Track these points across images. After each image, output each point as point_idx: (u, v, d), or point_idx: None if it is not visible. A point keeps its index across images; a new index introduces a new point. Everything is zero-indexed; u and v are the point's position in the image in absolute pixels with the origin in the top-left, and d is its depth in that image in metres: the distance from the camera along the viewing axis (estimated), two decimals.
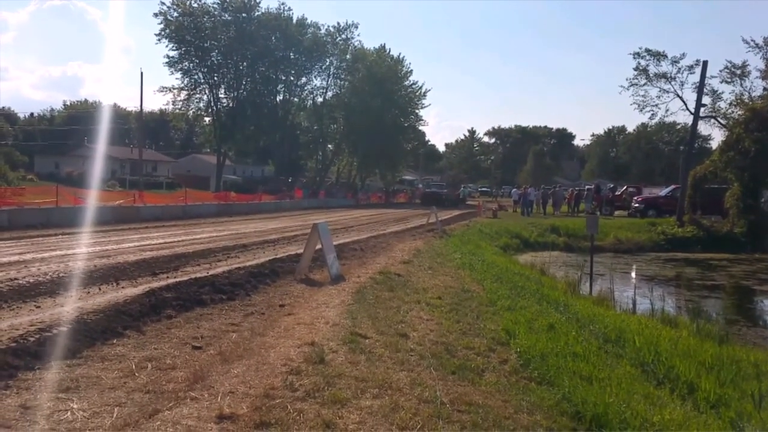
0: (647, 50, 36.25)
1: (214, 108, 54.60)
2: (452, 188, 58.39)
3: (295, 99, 58.96)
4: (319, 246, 10.25)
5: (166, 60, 51.59)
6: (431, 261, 13.78)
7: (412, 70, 61.19)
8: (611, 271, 20.65)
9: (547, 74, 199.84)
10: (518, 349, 6.70)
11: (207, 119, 58.99)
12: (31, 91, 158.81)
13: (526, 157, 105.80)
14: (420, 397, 4.71)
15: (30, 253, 11.96)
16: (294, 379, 4.78)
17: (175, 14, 50.65)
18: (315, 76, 58.64)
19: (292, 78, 57.18)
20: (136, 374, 4.81)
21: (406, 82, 60.47)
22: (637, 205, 38.64)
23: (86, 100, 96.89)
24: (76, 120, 77.65)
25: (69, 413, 3.95)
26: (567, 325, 8.65)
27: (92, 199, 25.61)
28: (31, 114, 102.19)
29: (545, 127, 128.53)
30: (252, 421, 3.97)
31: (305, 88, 58.95)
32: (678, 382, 6.97)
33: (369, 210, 39.62)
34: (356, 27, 57.85)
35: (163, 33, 50.53)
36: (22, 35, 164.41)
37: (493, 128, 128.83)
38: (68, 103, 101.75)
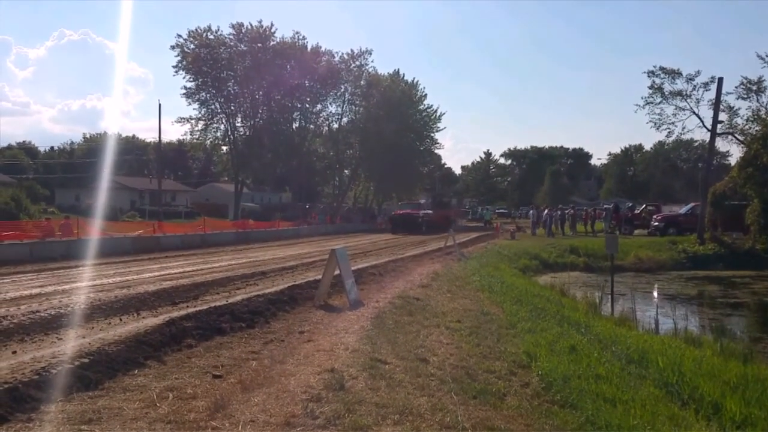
0: (661, 68, 36.17)
1: (231, 137, 55.24)
2: (440, 209, 47.95)
3: (311, 126, 59.43)
4: (337, 272, 10.27)
5: (184, 91, 52.50)
6: (450, 284, 13.73)
7: (426, 94, 61.54)
8: (632, 290, 20.42)
9: (562, 94, 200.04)
10: (540, 372, 6.64)
11: (224, 148, 59.69)
12: (51, 124, 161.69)
13: (543, 177, 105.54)
14: (441, 423, 4.68)
15: (51, 285, 12.10)
16: (314, 407, 4.78)
17: (192, 46, 51.57)
18: (330, 103, 59.17)
19: (307, 105, 57.71)
20: (158, 404, 4.83)
21: (421, 106, 60.71)
22: (656, 223, 38.27)
23: (105, 133, 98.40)
24: (95, 152, 78.87)
25: None
26: (589, 347, 8.56)
27: (111, 230, 25.95)
28: (52, 147, 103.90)
29: (561, 147, 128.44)
30: None
31: (321, 114, 59.48)
32: (703, 403, 6.86)
33: (387, 234, 39.64)
34: (370, 53, 58.32)
35: (180, 65, 51.47)
36: (41, 70, 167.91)
37: (509, 150, 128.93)
38: (87, 135, 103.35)
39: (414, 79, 61.64)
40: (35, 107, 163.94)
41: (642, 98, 37.07)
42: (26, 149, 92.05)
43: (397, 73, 60.48)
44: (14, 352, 6.26)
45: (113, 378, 5.50)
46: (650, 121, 37.43)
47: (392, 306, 9.88)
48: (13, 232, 21.14)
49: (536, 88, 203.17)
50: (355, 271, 12.22)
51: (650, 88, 36.69)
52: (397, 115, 55.92)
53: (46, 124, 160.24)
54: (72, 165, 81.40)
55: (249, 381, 5.50)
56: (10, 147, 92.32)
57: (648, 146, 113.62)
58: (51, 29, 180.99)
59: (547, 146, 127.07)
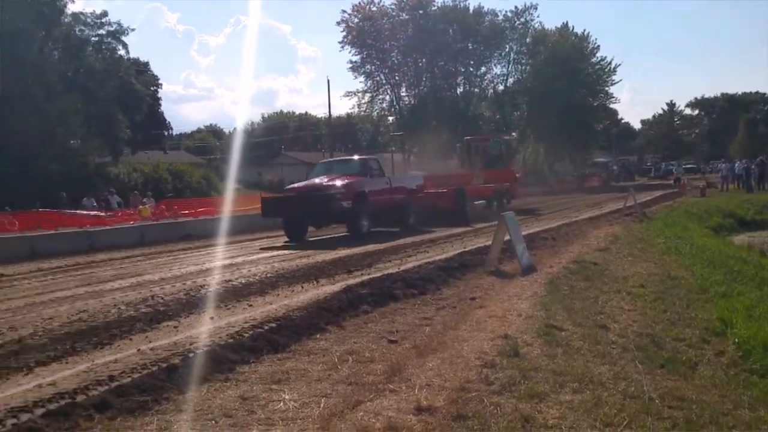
0: None
1: (397, 107, 56.31)
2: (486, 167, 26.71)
3: (476, 89, 58.60)
4: (507, 237, 10.09)
5: (350, 65, 54.27)
6: (631, 247, 12.99)
7: (598, 46, 57.81)
8: None
9: (753, 33, 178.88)
10: (736, 340, 6.12)
11: (390, 118, 60.94)
12: (233, 107, 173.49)
13: (737, 127, 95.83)
14: (625, 392, 4.47)
15: (240, 257, 13.13)
16: (489, 373, 4.76)
17: (356, 20, 53.08)
18: (495, 64, 57.89)
19: (471, 69, 57.00)
20: (339, 367, 5.06)
21: (593, 59, 57.47)
22: None
23: (281, 111, 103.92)
24: (273, 130, 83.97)
25: (281, 403, 4.25)
26: None
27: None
28: (234, 128, 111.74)
29: (757, 93, 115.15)
30: (449, 414, 4.00)
31: (485, 77, 58.41)
32: None
33: (559, 196, 38.36)
34: (535, 8, 56.05)
35: (345, 40, 53.30)
36: (221, 56, 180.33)
37: (696, 99, 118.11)
38: (265, 115, 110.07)
39: (584, 31, 58.32)
40: (218, 91, 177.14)
41: None
42: (213, 131, 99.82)
43: (565, 26, 57.65)
44: (211, 318, 6.87)
45: (298, 341, 5.84)
46: None
47: (567, 271, 9.54)
48: (206, 208, 23.27)
49: (722, 29, 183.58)
50: (527, 236, 11.92)
51: None
52: (567, 71, 53.40)
53: (228, 106, 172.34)
54: (253, 143, 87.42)
55: (423, 346, 5.59)
56: (199, 130, 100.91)
57: None
58: (228, 17, 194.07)
59: (740, 92, 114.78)
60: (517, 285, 8.55)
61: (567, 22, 59.08)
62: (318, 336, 6.07)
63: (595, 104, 59.17)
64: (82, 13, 35.55)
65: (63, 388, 4.51)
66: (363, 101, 55.78)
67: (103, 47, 37.01)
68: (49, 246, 16.00)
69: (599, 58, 57.52)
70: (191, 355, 5.25)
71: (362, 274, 9.54)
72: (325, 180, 16.69)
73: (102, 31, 36.60)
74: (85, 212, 22.31)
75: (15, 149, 27.55)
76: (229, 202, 25.09)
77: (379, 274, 9.23)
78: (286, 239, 16.19)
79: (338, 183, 16.00)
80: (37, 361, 5.32)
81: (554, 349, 5.43)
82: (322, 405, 4.20)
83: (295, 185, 18.13)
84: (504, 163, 28.26)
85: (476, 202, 21.35)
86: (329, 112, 57.75)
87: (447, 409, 4.08)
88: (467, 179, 23.87)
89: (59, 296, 8.87)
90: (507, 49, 56.98)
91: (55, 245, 16.14)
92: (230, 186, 27.46)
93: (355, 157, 20.75)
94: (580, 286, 8.51)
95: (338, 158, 20.71)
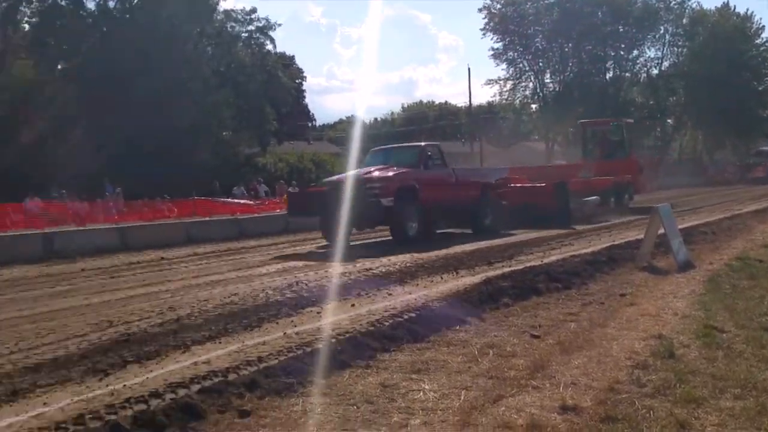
0: None
1: (540, 94, 54.85)
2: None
3: (627, 74, 55.76)
4: (661, 230, 9.49)
5: (491, 52, 53.53)
6: None
7: (763, 26, 53.49)
8: None
9: None
10: None
11: (533, 106, 59.44)
12: (373, 97, 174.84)
13: None
14: None
15: (379, 245, 13.35)
16: (640, 374, 4.50)
17: (498, 6, 52.27)
18: (648, 47, 54.90)
19: (622, 52, 54.33)
20: (479, 360, 4.98)
21: (758, 41, 53.16)
22: None
23: (421, 101, 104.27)
24: (412, 120, 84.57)
25: (421, 393, 4.25)
26: None
27: None
28: (375, 119, 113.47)
29: None
30: (597, 415, 3.82)
31: (637, 61, 55.47)
32: None
33: (719, 188, 35.62)
34: None
35: (487, 27, 52.65)
36: (362, 47, 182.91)
37: None
38: (405, 105, 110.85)
39: (748, 10, 53.99)
40: (359, 83, 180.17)
41: None
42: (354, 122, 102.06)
43: (726, 5, 53.60)
44: (353, 305, 7.05)
45: (437, 332, 5.81)
46: None
47: (729, 268, 8.82)
48: None
49: None
50: (683, 230, 11.18)
51: None
52: (729, 54, 49.61)
53: (369, 97, 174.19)
54: (393, 134, 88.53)
55: (568, 343, 5.39)
56: (340, 121, 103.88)
57: None
58: (368, 7, 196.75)
59: None
60: (673, 282, 8.06)
61: (728, 1, 54.52)
62: (457, 327, 6.01)
63: (761, 89, 54.71)
64: (233, 10, 37.88)
65: (216, 367, 4.80)
66: (505, 89, 55.08)
67: (252, 42, 39.03)
68: (203, 232, 17.23)
69: (765, 39, 53.16)
70: (333, 340, 5.40)
71: (503, 266, 9.40)
72: (369, 171, 14.05)
73: (251, 27, 38.65)
74: (235, 200, 23.72)
75: (173, 141, 29.78)
76: None
77: (520, 267, 9.05)
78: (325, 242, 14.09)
79: (380, 175, 13.62)
80: (193, 340, 5.69)
81: (714, 352, 5.04)
82: (462, 397, 4.15)
83: (333, 177, 15.60)
84: (626, 151, 24.36)
85: (586, 199, 17.85)
86: (469, 100, 57.16)
87: (594, 409, 3.90)
88: (571, 171, 20.91)
89: (213, 279, 9.49)
90: (662, 31, 54.06)
91: (208, 231, 17.36)
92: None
93: (413, 144, 17.40)
94: (744, 284, 7.83)
95: (391, 146, 17.18)
